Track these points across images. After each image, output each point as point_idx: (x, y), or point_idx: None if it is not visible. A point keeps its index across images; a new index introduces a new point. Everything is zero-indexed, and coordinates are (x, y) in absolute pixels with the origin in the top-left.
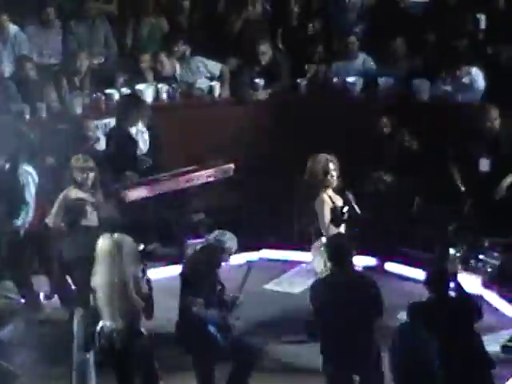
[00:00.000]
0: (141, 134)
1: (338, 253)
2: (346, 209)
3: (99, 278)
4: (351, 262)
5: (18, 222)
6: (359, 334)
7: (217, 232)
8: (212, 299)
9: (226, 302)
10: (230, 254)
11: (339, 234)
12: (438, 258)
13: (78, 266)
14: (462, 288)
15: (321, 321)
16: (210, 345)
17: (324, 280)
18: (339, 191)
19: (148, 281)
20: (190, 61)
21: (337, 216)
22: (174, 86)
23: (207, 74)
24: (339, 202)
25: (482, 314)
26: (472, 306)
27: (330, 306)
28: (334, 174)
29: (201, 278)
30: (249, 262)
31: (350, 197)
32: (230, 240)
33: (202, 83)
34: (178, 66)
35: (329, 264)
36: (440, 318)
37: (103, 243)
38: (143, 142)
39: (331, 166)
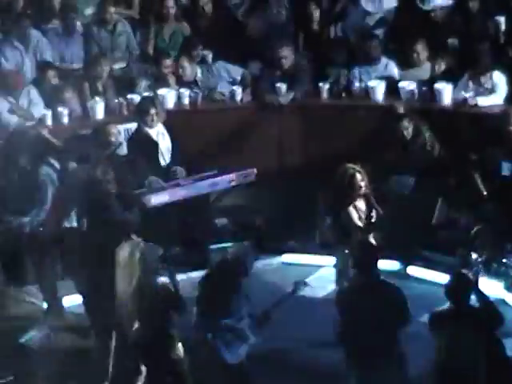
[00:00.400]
0: (162, 135)
1: (364, 260)
2: (373, 213)
3: (122, 285)
4: (376, 268)
5: (27, 220)
6: (384, 340)
7: (241, 246)
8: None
9: (254, 316)
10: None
11: (365, 240)
12: (460, 262)
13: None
14: (483, 294)
15: (347, 326)
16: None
17: (350, 287)
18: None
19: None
20: (212, 65)
21: (365, 224)
22: (195, 90)
23: (229, 79)
24: (364, 207)
25: (503, 320)
26: (492, 312)
27: (356, 313)
28: (362, 184)
29: (218, 290)
30: (296, 283)
31: (373, 200)
32: (247, 254)
33: (224, 88)
34: (199, 71)
35: (354, 270)
36: (460, 326)
37: (124, 249)
38: (165, 144)
39: (358, 176)
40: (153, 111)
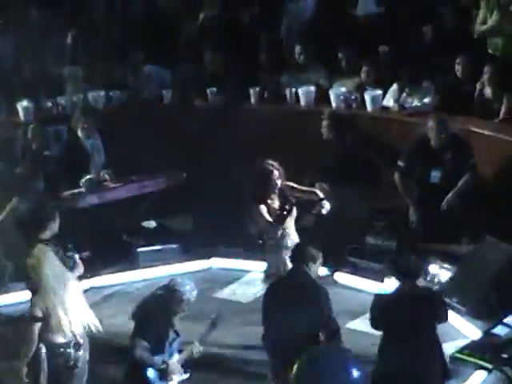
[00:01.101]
0: (97, 149)
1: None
2: (286, 209)
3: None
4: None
5: None
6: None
7: (178, 280)
8: (162, 346)
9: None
10: (187, 305)
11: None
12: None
13: None
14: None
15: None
16: None
17: (275, 288)
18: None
19: None
20: (142, 68)
21: (277, 216)
22: (125, 93)
23: (158, 82)
24: (277, 204)
25: (447, 316)
26: (440, 302)
27: (279, 314)
28: (279, 182)
29: (153, 324)
30: (214, 318)
31: (287, 196)
32: (190, 292)
33: (153, 90)
34: (129, 74)
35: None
36: (402, 310)
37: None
38: (99, 158)
39: (276, 173)
40: (86, 121)
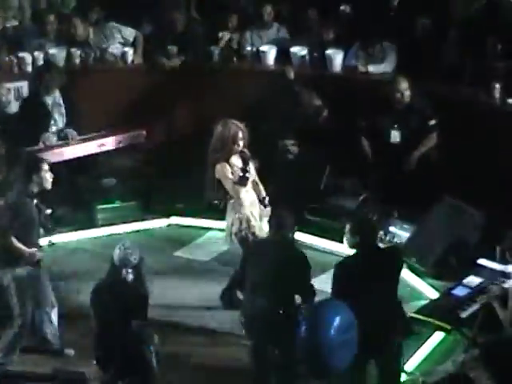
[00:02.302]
0: (58, 106)
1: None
2: (248, 169)
3: None
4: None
5: None
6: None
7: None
8: None
9: None
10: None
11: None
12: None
13: None
14: None
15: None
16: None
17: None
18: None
19: None
20: (104, 26)
21: (240, 178)
22: (86, 50)
23: (121, 40)
24: (240, 164)
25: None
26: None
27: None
28: (241, 143)
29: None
30: None
31: (249, 157)
32: (135, 250)
33: (116, 49)
34: (91, 31)
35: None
36: (366, 265)
37: None
38: (59, 115)
39: (240, 134)
40: (48, 78)
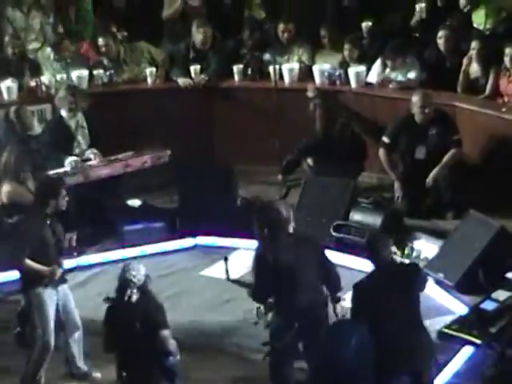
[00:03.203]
0: (81, 129)
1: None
2: None
3: None
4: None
5: None
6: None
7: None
8: None
9: None
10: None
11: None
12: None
13: None
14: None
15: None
16: None
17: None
18: None
19: None
20: (134, 45)
21: None
22: (111, 71)
23: (150, 60)
24: None
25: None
26: (419, 274)
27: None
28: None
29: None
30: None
31: None
32: (138, 271)
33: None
34: (122, 50)
35: None
36: (381, 284)
37: None
38: (83, 137)
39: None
40: (71, 100)
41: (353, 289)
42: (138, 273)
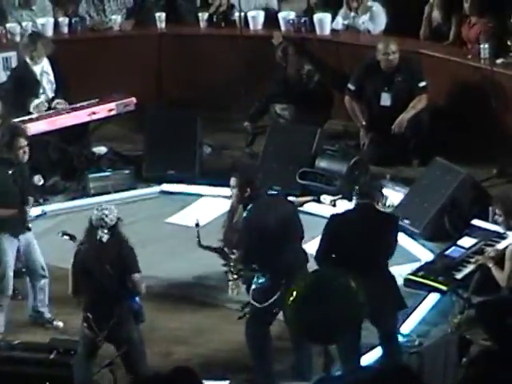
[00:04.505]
0: (46, 74)
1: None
2: None
3: None
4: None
5: None
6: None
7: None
8: None
9: None
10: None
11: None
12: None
13: None
14: None
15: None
16: None
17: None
18: None
19: None
20: None
21: None
22: (75, 19)
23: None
24: None
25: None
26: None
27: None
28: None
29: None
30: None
31: None
32: (111, 212)
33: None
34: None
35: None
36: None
37: None
38: (48, 83)
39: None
40: (35, 47)
41: (329, 217)
42: (111, 213)
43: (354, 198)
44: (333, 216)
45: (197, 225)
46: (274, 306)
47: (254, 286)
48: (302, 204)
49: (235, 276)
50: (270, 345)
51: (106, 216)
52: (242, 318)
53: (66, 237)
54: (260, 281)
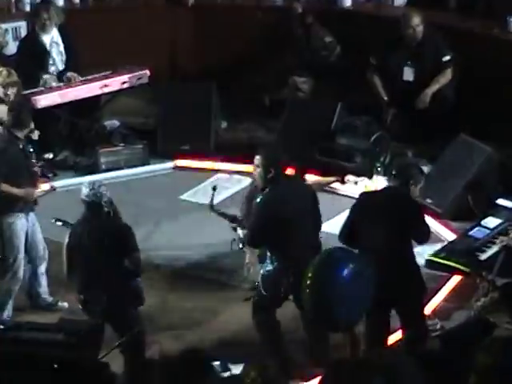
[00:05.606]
0: (56, 45)
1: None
2: None
3: None
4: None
5: None
6: None
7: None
8: None
9: None
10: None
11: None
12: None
13: None
14: None
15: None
16: None
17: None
18: None
19: None
20: None
21: None
22: None
23: None
24: None
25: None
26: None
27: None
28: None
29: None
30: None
31: None
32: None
33: None
34: None
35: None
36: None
37: None
38: (58, 55)
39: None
40: (45, 16)
41: (358, 195)
42: (106, 191)
43: (387, 178)
44: (361, 195)
45: (214, 188)
46: (280, 293)
47: (261, 272)
48: (326, 184)
49: (240, 246)
50: (279, 329)
51: (104, 195)
52: (249, 299)
53: (59, 223)
54: (267, 268)
